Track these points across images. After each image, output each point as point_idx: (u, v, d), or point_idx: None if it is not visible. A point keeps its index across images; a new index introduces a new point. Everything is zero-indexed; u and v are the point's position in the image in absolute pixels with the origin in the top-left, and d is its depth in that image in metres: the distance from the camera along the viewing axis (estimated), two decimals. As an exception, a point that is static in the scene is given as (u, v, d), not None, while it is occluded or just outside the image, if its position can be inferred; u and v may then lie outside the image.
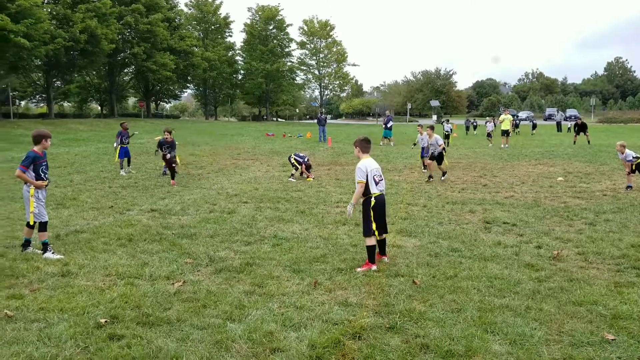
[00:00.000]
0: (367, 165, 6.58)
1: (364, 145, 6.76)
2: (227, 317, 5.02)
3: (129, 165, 16.70)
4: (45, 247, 7.06)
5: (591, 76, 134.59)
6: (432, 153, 12.57)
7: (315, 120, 41.98)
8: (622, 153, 13.70)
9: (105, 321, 4.86)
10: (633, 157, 13.13)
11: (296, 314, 5.12)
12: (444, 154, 14.58)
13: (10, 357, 4.19)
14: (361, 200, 6.66)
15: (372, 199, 6.54)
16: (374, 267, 6.52)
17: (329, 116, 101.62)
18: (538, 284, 5.97)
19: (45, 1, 47.77)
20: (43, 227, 7.16)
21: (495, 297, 5.56)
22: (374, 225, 6.50)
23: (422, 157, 17.17)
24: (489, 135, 30.15)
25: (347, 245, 7.72)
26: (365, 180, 6.52)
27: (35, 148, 7.19)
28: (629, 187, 13.06)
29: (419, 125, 19.21)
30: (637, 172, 13.08)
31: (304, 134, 40.07)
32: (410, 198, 11.91)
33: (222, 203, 11.23)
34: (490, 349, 4.37)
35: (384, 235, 6.90)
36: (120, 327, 4.77)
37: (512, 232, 8.64)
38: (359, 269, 6.48)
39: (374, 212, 6.52)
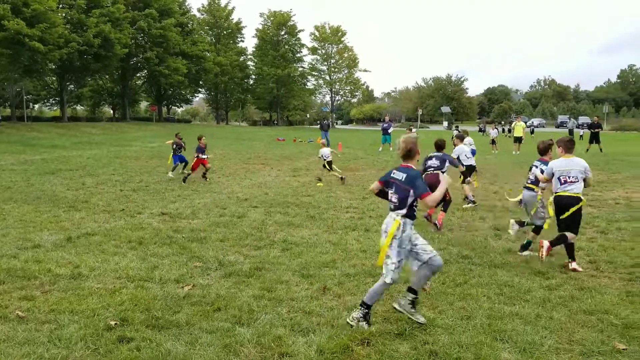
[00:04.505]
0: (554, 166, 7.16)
1: (568, 146, 7.21)
2: (236, 321, 5.03)
3: (184, 169, 16.18)
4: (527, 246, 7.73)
5: (604, 83, 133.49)
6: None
7: (318, 126, 42.31)
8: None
9: (115, 323, 4.89)
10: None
11: (305, 319, 5.12)
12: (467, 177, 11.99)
13: (21, 357, 4.23)
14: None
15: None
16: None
17: (339, 121, 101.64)
18: (548, 292, 5.93)
19: (60, 6, 48.29)
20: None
21: (505, 305, 5.53)
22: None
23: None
24: (492, 142, 30.02)
25: (356, 251, 7.71)
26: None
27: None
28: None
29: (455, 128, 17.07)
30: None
31: (314, 139, 40.10)
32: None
33: (232, 207, 11.26)
34: (500, 357, 4.34)
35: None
36: (130, 329, 4.80)
37: (523, 239, 8.57)
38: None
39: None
